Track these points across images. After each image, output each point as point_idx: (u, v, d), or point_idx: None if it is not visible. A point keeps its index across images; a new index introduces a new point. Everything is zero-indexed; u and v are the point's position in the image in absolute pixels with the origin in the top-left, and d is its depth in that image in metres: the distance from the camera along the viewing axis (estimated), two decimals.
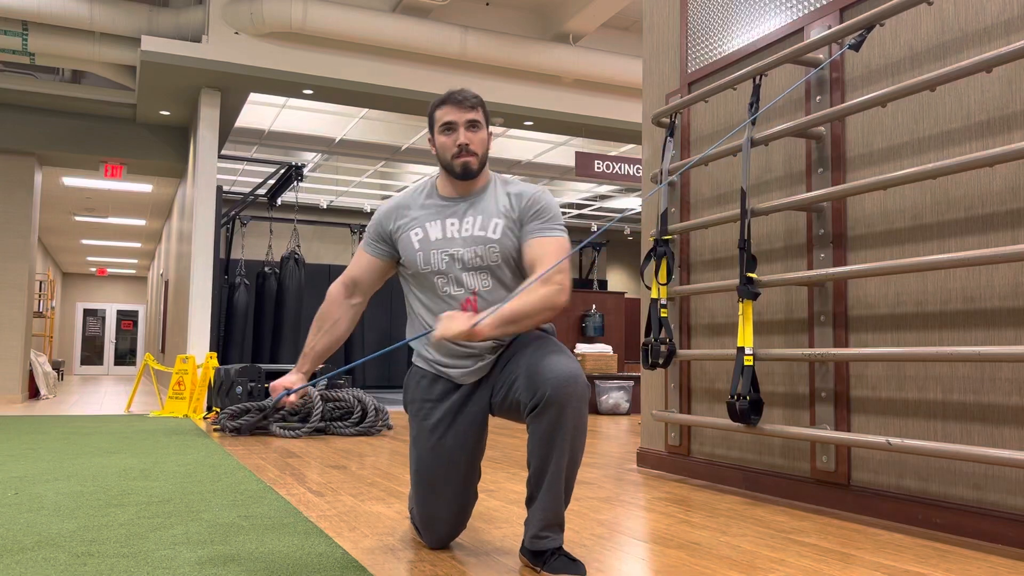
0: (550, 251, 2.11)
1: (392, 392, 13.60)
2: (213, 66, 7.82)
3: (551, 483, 2.00)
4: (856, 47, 2.89)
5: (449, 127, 2.17)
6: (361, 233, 15.21)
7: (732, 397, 3.14)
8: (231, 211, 12.67)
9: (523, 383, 2.03)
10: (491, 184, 2.25)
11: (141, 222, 16.20)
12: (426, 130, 10.90)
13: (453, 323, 1.94)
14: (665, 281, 3.72)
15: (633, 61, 9.16)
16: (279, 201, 12.34)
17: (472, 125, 2.17)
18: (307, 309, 14.48)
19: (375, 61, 8.46)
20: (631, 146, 11.29)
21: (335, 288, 2.31)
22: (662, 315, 3.72)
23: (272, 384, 2.11)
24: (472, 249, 2.16)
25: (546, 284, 2.03)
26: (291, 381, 2.13)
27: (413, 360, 2.30)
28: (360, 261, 2.32)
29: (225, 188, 14.07)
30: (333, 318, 2.28)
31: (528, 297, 2.01)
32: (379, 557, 2.19)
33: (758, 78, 3.28)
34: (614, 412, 8.38)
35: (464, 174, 2.17)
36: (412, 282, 2.26)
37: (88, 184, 12.44)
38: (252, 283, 12.93)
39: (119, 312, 25.12)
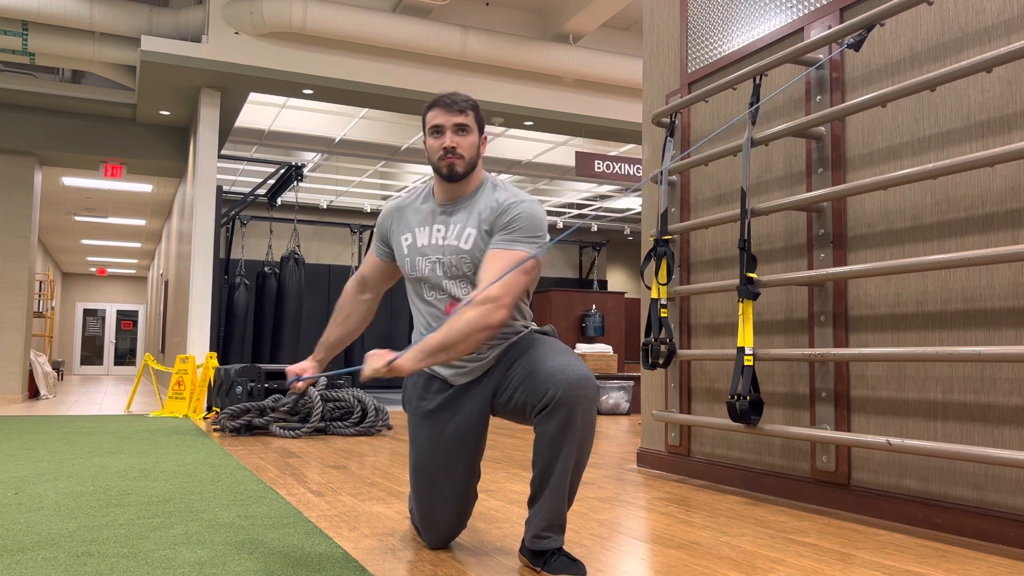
0: (500, 267, 2.02)
1: (392, 392, 13.61)
2: (213, 66, 7.82)
3: (556, 484, 1.99)
4: (856, 46, 2.89)
5: (437, 130, 2.14)
6: (361, 233, 15.22)
7: (732, 397, 3.14)
8: (231, 211, 12.67)
9: (531, 384, 2.03)
10: (483, 188, 2.20)
11: (141, 222, 16.20)
12: None
13: (372, 361, 1.98)
14: (665, 281, 3.72)
15: (633, 61, 9.16)
16: (279, 201, 12.34)
17: (460, 129, 2.13)
18: (307, 309, 14.50)
19: (375, 61, 8.46)
20: (631, 146, 11.29)
21: (348, 284, 2.45)
22: (662, 315, 3.72)
23: (288, 368, 2.25)
24: (449, 258, 2.16)
25: (477, 306, 1.96)
26: (304, 368, 2.26)
27: None
28: (368, 260, 2.44)
29: (225, 188, 14.07)
30: (346, 312, 2.42)
31: (454, 324, 1.95)
32: (379, 557, 2.19)
33: (758, 78, 3.28)
34: (614, 412, 8.38)
35: (449, 176, 2.14)
36: (407, 284, 2.32)
37: (88, 184, 12.44)
38: (252, 283, 12.93)
39: (119, 312, 25.12)
